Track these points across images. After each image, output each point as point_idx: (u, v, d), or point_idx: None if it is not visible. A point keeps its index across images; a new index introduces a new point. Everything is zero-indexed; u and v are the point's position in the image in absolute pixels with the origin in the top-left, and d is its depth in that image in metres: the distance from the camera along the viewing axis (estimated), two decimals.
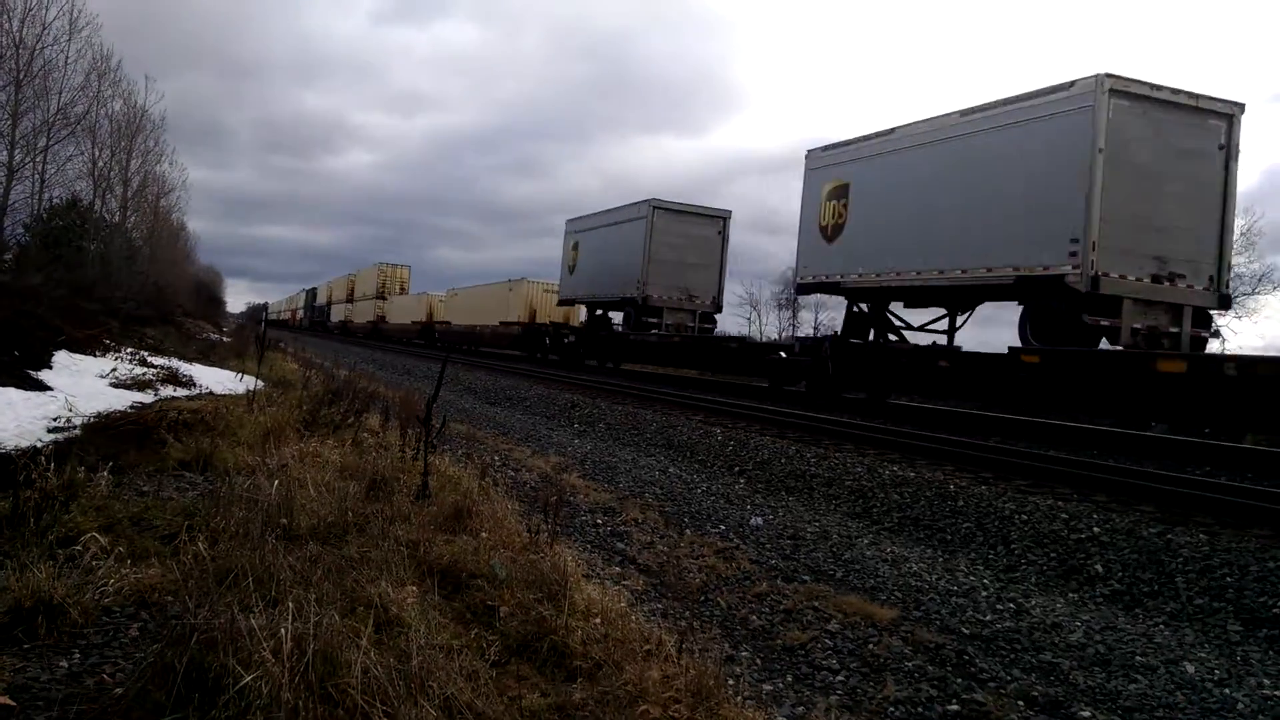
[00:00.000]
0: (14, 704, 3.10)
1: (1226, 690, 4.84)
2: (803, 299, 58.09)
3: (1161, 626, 5.90)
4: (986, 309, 17.62)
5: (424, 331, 54.01)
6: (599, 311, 31.88)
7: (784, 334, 63.32)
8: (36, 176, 23.53)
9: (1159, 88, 13.91)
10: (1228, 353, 14.82)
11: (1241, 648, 5.53)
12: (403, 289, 66.15)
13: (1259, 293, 41.40)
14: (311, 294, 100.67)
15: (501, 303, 42.23)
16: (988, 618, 5.87)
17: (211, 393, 12.99)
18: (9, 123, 20.92)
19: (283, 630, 3.15)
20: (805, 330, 60.36)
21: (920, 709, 4.39)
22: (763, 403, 17.96)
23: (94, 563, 4.28)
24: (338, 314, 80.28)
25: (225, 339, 32.25)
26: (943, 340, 17.71)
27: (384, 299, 66.01)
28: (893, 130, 17.70)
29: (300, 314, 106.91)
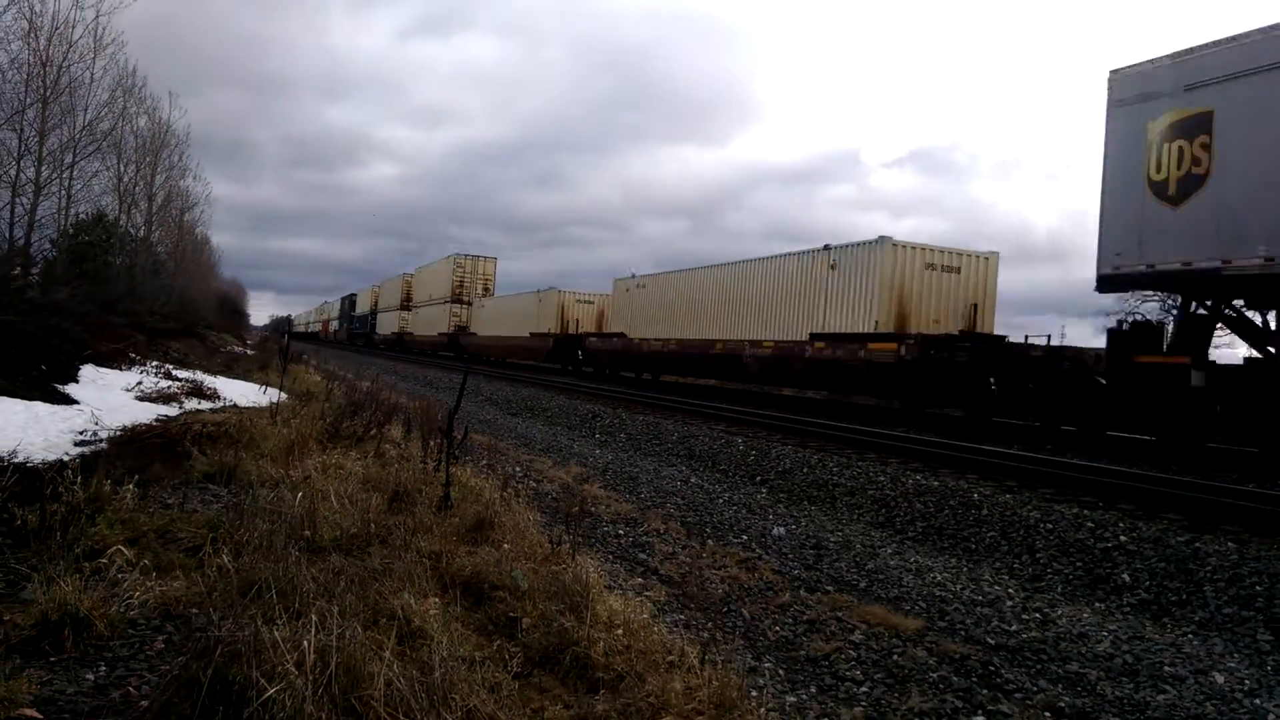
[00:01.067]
0: (40, 717, 3.12)
1: (1257, 701, 4.78)
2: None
3: (1190, 636, 5.82)
4: None
5: (558, 350, 36.72)
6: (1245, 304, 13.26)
7: None
8: (63, 192, 23.77)
9: None
10: None
11: (1272, 657, 5.45)
12: (487, 288, 51.20)
13: None
14: (349, 301, 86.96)
15: (809, 295, 21.31)
16: (1013, 628, 5.82)
17: (235, 405, 13.07)
18: (36, 139, 21.15)
19: (306, 642, 3.16)
20: None
21: None
22: (784, 411, 17.87)
23: (120, 575, 4.31)
24: (388, 324, 66.17)
25: (249, 352, 32.49)
26: None
27: (463, 303, 50.73)
28: None
29: (334, 325, 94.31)
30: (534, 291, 40.31)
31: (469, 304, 50.75)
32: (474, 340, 47.47)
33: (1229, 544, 7.15)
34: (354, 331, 79.97)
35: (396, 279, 65.78)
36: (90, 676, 3.51)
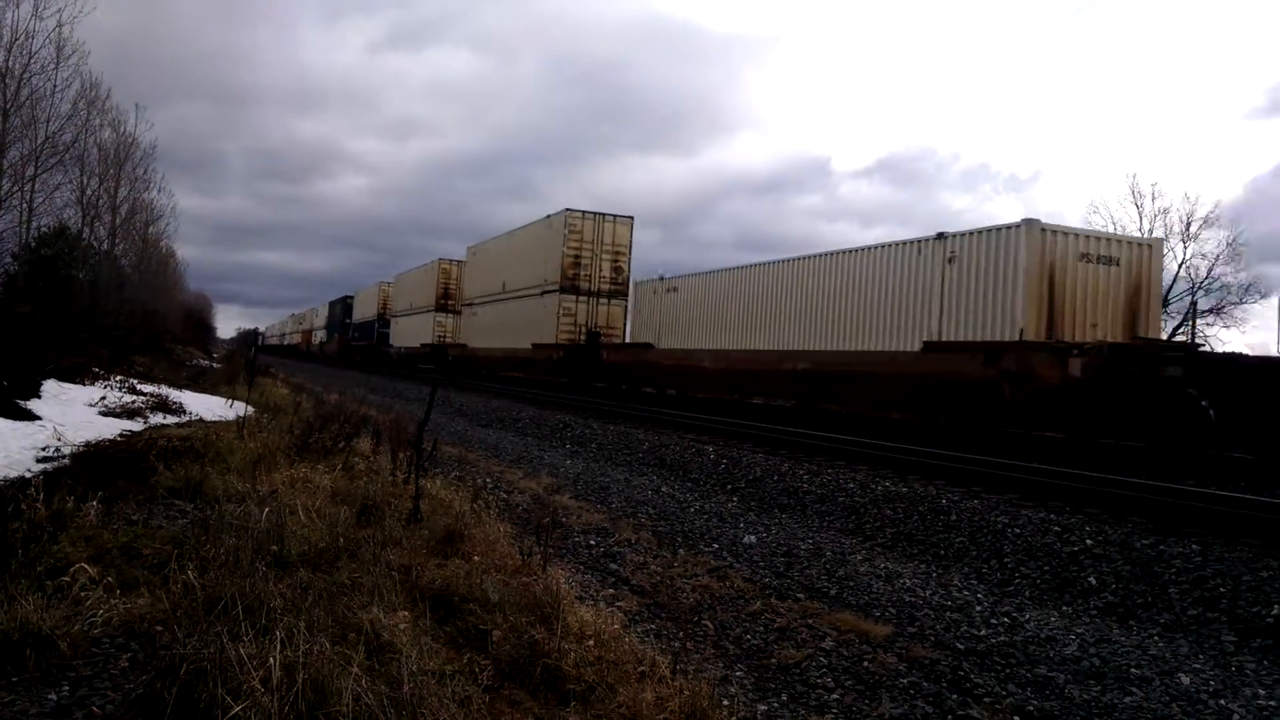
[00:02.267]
0: None
1: (1222, 701, 4.84)
2: None
3: (1156, 638, 5.89)
4: None
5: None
6: None
7: None
8: (24, 205, 23.50)
9: None
10: None
11: (1236, 658, 5.52)
12: (619, 265, 30.29)
13: (1246, 302, 41.65)
14: (341, 307, 68.67)
15: None
16: (982, 632, 5.86)
17: (201, 420, 12.97)
18: None
19: (272, 659, 3.13)
20: None
21: None
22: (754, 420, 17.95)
23: (83, 593, 4.25)
24: (411, 333, 48.04)
25: (215, 365, 32.16)
26: None
27: (590, 294, 29.91)
28: None
29: (320, 336, 77.36)
30: (939, 235, 16.47)
31: (600, 295, 30.12)
32: (668, 363, 25.39)
33: (1193, 546, 7.25)
34: (351, 343, 63.37)
35: (424, 269, 47.58)
36: (53, 696, 3.46)
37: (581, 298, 29.92)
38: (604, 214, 30.32)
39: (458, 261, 43.85)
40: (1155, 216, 43.99)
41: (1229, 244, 42.61)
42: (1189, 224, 43.73)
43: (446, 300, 44.29)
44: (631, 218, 30.64)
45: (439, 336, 43.74)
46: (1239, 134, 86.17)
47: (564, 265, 29.61)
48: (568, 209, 29.84)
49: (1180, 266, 43.20)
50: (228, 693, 2.99)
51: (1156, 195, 62.63)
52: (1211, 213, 50.01)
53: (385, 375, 41.88)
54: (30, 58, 21.52)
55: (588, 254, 29.88)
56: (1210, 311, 42.74)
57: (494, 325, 36.13)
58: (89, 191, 29.11)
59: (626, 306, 30.18)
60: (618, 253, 30.33)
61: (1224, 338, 41.89)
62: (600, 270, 30.14)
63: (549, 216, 31.16)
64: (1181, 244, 43.06)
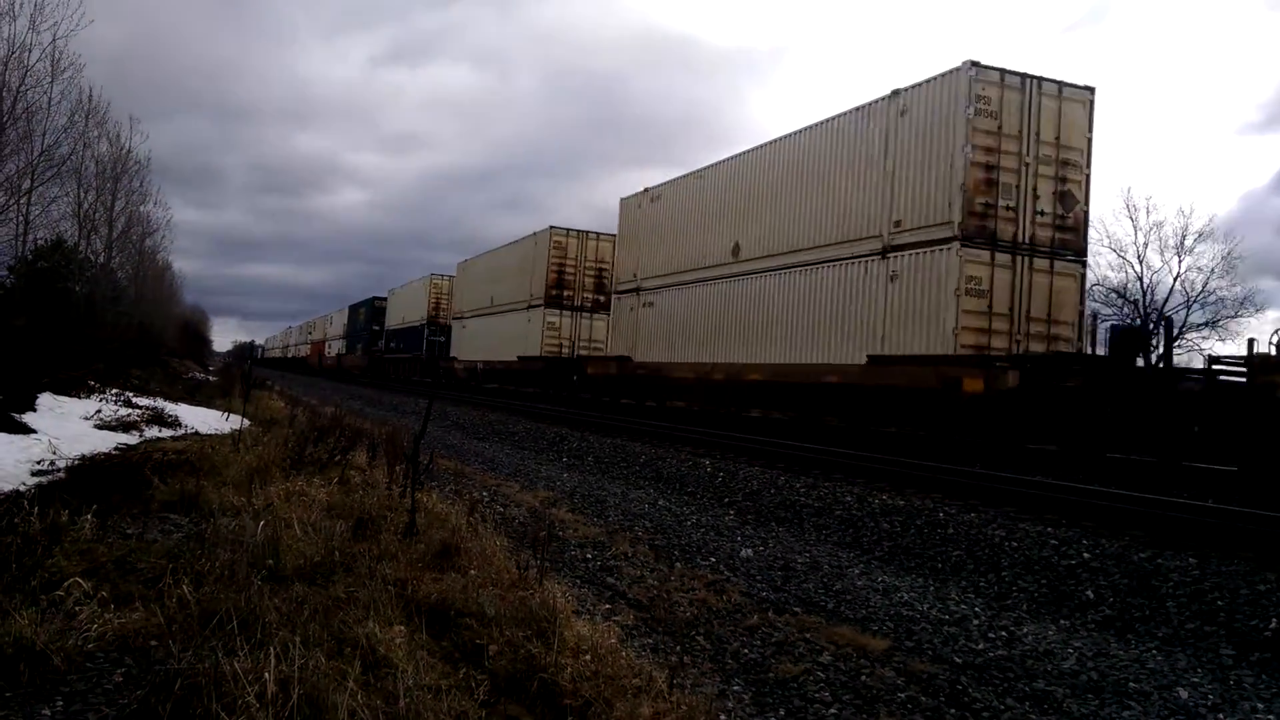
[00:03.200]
0: None
1: (1221, 716, 4.82)
2: None
3: (1154, 652, 5.87)
4: None
5: None
6: None
7: None
8: (20, 219, 23.46)
9: None
10: None
11: (1235, 672, 5.51)
12: (1066, 192, 14.52)
13: (1240, 316, 41.71)
14: (368, 310, 58.18)
15: None
16: (980, 646, 5.84)
17: (197, 433, 12.95)
18: None
19: (267, 674, 3.12)
20: None
21: None
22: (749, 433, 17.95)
23: (77, 607, 4.23)
24: (496, 341, 34.22)
25: (211, 378, 32.13)
26: None
27: (1015, 251, 14.11)
28: None
29: (337, 348, 67.59)
30: None
31: (1038, 252, 14.47)
32: None
33: (1190, 559, 7.24)
34: (384, 356, 52.47)
35: (521, 247, 33.30)
36: (46, 712, 3.43)
37: (1001, 256, 14.37)
38: (1040, 78, 14.68)
39: (580, 232, 30.71)
40: (1150, 230, 44.14)
41: (1224, 257, 42.55)
42: (1183, 238, 43.70)
43: (562, 291, 30.53)
44: (1091, 89, 15.06)
45: (552, 345, 29.99)
46: (1233, 149, 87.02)
47: (970, 184, 14.07)
48: (973, 62, 14.20)
49: (1175, 280, 43.26)
50: (222, 708, 2.98)
51: (1151, 209, 62.84)
52: (1206, 227, 49.73)
53: (472, 405, 27.16)
54: (26, 71, 21.51)
55: (1010, 162, 14.37)
56: (1205, 325, 42.77)
57: (719, 325, 20.61)
58: (86, 205, 29.11)
59: (1084, 274, 15.43)
60: (1065, 162, 14.85)
61: (1220, 350, 41.89)
62: (1034, 198, 14.62)
63: (896, 92, 15.68)
64: (1176, 258, 43.08)
